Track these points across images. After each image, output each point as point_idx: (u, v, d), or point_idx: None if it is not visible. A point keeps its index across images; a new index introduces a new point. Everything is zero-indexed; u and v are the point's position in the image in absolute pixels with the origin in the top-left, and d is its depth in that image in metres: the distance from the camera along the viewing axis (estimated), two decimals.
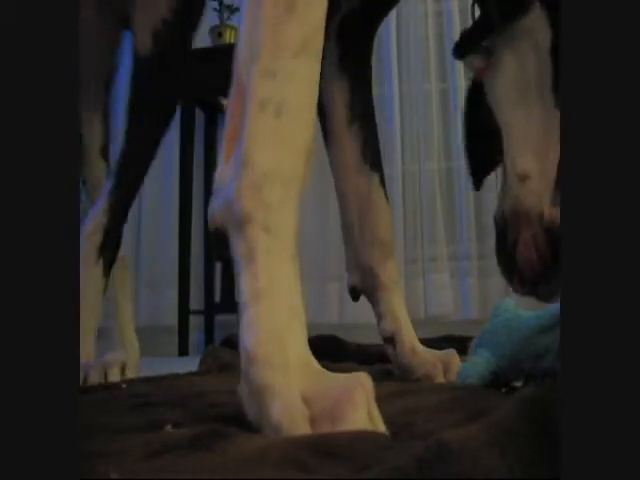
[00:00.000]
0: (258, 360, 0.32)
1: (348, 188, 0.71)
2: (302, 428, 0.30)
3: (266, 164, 0.36)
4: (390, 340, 0.68)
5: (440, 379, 0.64)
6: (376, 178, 0.71)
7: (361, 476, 0.22)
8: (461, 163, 2.01)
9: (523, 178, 0.55)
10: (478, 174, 0.75)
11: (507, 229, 0.58)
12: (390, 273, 0.70)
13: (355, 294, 0.71)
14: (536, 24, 0.55)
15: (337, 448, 0.26)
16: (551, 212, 0.55)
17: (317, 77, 0.39)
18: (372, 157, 0.72)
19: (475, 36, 0.59)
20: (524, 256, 0.55)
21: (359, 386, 0.31)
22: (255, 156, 0.36)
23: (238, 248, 0.36)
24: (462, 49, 0.61)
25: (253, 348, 0.33)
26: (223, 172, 0.39)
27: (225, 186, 0.38)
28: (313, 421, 0.30)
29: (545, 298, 0.55)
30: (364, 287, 0.70)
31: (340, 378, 0.32)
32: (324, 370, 0.34)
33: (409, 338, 0.68)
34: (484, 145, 0.71)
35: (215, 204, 0.38)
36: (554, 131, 0.52)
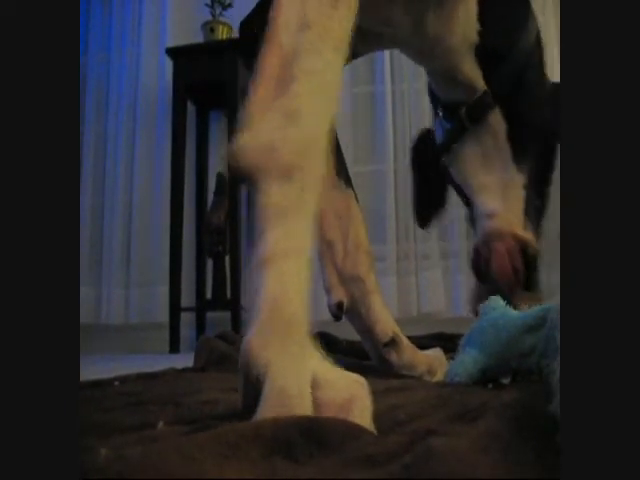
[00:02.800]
0: (284, 316, 0.33)
1: (326, 204, 0.70)
2: (306, 405, 0.30)
3: (313, 130, 0.38)
4: (392, 342, 0.68)
5: (441, 374, 0.64)
6: (352, 193, 0.72)
7: (347, 475, 0.23)
8: None
9: (492, 215, 0.72)
10: (425, 217, 0.97)
11: (482, 249, 0.72)
12: (375, 281, 0.71)
13: (339, 311, 0.70)
14: (494, 119, 0.73)
15: (328, 438, 0.26)
16: (524, 234, 0.72)
17: (340, 79, 0.43)
18: (345, 174, 0.73)
19: (452, 141, 0.77)
20: (501, 267, 0.69)
21: (366, 394, 0.32)
22: (305, 116, 0.37)
23: (271, 198, 0.35)
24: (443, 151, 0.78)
25: (280, 300, 0.33)
26: (259, 111, 0.38)
27: (264, 130, 0.37)
28: (315, 405, 0.30)
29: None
30: (352, 299, 0.69)
31: (344, 376, 0.33)
32: (326, 360, 0.34)
33: (404, 338, 0.69)
34: (430, 192, 0.95)
35: (248, 142, 0.37)
36: (512, 179, 0.73)
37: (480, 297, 0.71)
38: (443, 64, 0.74)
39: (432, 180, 0.91)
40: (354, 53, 0.74)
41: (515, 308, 0.56)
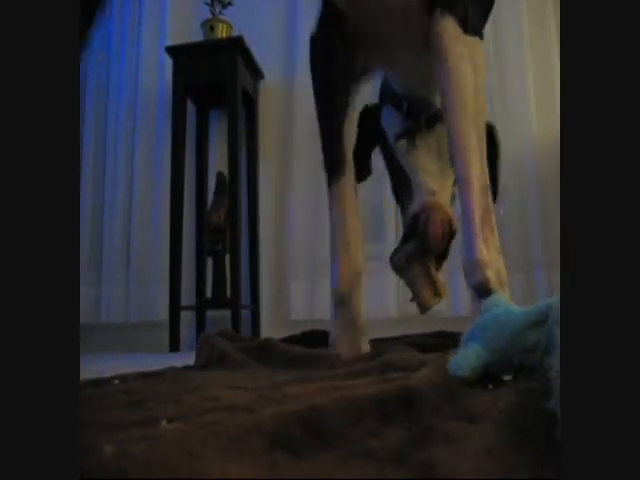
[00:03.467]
0: None
1: (351, 210, 0.89)
2: None
3: None
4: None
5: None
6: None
7: (347, 470, 0.23)
8: None
9: (432, 193, 0.98)
10: (361, 168, 1.16)
11: (421, 215, 0.95)
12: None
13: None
14: (442, 129, 0.97)
15: (328, 429, 0.26)
16: (452, 213, 0.97)
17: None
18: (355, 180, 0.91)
19: (412, 134, 1.05)
20: (435, 231, 0.93)
21: None
22: None
23: None
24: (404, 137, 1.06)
25: None
26: None
27: None
28: None
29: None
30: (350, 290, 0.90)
31: None
32: None
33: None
34: (367, 145, 1.19)
35: None
36: (447, 174, 1.00)
37: (405, 250, 0.98)
38: (422, 88, 1.02)
39: (370, 139, 1.18)
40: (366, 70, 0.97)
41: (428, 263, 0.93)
